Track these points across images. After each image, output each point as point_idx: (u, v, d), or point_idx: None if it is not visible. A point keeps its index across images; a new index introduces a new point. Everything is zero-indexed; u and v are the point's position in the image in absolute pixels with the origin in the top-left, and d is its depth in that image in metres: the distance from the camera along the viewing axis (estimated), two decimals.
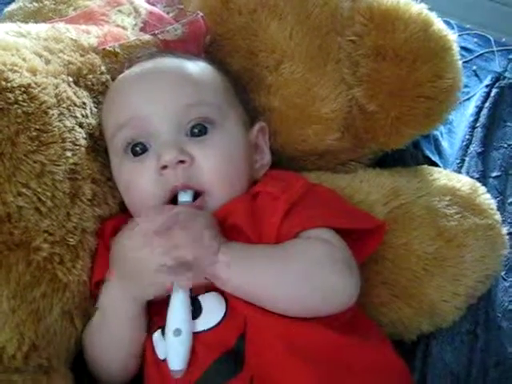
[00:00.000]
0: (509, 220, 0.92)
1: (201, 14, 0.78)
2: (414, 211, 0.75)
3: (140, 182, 0.68)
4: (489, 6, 1.74)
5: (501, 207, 0.92)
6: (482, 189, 0.79)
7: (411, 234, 0.74)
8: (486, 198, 0.78)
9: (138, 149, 0.68)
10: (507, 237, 0.78)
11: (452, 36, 0.76)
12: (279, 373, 0.58)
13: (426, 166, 0.85)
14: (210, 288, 0.62)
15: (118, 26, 0.84)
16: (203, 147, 0.67)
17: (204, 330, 0.60)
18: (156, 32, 0.81)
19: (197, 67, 0.73)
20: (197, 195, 0.67)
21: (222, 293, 0.62)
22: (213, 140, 0.68)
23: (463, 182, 0.79)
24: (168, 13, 0.86)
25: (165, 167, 0.65)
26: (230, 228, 0.65)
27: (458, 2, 1.74)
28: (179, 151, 0.65)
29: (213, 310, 0.61)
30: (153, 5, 0.87)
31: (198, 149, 0.66)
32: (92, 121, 0.72)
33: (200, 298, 0.62)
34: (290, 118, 0.78)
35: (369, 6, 0.75)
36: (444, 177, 0.80)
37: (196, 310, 0.61)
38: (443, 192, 0.77)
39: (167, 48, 0.79)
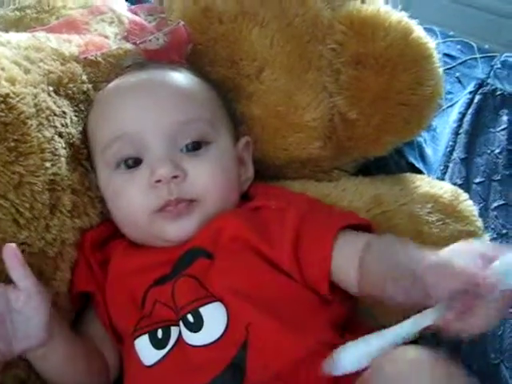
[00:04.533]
0: (492, 226, 0.92)
1: (182, 22, 0.78)
2: (396, 218, 0.75)
3: (130, 193, 0.68)
4: (471, 13, 1.76)
5: (484, 213, 0.92)
6: (464, 195, 0.80)
7: None
8: (468, 205, 0.79)
9: (130, 162, 0.69)
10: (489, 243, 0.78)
11: (432, 44, 0.76)
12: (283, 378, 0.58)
13: (408, 173, 0.85)
14: (211, 299, 0.62)
15: (100, 34, 0.83)
16: (197, 163, 0.68)
17: (206, 345, 0.60)
18: (138, 42, 0.80)
19: (189, 81, 0.74)
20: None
21: (222, 301, 0.62)
22: (206, 156, 0.69)
23: (445, 189, 0.79)
24: (150, 22, 0.86)
25: (158, 181, 0.66)
26: (232, 239, 0.66)
27: (442, 10, 1.76)
28: (174, 166, 0.66)
29: (214, 323, 0.61)
30: (135, 13, 0.87)
31: (191, 164, 0.68)
32: (72, 130, 0.72)
33: (201, 310, 0.62)
34: (271, 126, 0.78)
35: (349, 14, 0.75)
36: (426, 184, 0.80)
37: (197, 324, 0.61)
38: (425, 199, 0.77)
39: (149, 57, 0.79)
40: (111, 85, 0.74)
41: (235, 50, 0.78)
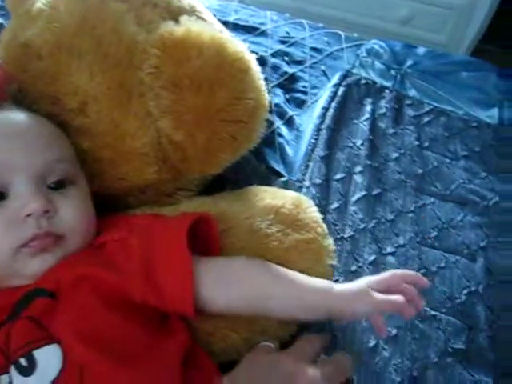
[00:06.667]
0: (349, 223, 0.92)
1: None
2: (238, 235, 0.75)
3: None
4: None
5: (343, 210, 0.93)
6: (307, 203, 0.80)
7: None
8: (310, 212, 0.79)
9: None
10: (333, 247, 0.78)
11: (250, 56, 0.76)
12: None
13: (252, 186, 0.84)
14: (48, 341, 0.61)
15: None
16: (65, 201, 0.69)
17: None
18: None
19: (45, 121, 0.73)
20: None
21: (60, 343, 0.61)
22: (72, 196, 0.70)
23: (287, 199, 0.79)
24: None
25: (29, 215, 0.65)
26: (76, 279, 0.65)
27: None
28: (46, 201, 0.66)
29: (48, 366, 0.60)
30: None
31: (60, 202, 0.68)
32: None
33: (35, 352, 0.61)
34: (103, 158, 0.77)
35: (161, 38, 0.74)
36: (269, 196, 0.80)
37: (30, 367, 0.60)
38: (266, 211, 0.77)
39: None
40: None
41: (57, 86, 0.76)
